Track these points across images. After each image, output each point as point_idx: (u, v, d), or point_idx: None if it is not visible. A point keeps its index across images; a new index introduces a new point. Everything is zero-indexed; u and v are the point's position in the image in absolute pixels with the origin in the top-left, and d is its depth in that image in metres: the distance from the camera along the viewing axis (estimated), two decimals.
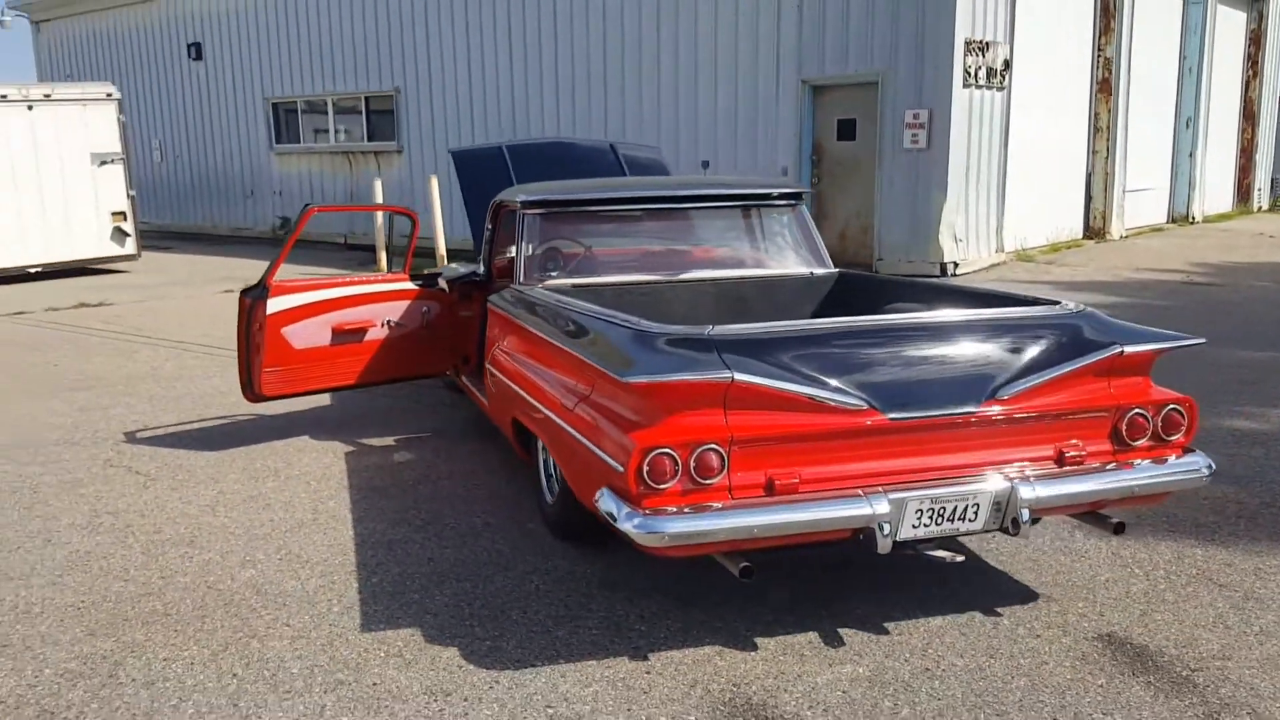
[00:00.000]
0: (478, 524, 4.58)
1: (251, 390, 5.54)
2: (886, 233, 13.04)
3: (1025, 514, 3.39)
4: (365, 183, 17.51)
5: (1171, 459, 3.66)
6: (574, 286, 5.14)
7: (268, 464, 5.49)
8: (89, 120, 15.16)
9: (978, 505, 3.38)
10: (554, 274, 5.23)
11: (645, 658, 3.38)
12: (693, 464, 3.17)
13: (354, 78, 18.31)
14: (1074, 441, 3.57)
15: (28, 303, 12.26)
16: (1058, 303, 3.89)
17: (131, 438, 6.08)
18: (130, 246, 15.84)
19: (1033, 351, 3.53)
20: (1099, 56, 15.44)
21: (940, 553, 3.49)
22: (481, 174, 7.43)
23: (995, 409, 3.43)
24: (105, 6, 22.52)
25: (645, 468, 3.12)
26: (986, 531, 3.45)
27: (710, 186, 5.79)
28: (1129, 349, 3.56)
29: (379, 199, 13.87)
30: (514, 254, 5.30)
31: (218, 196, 21.15)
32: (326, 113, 19.09)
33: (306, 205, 5.58)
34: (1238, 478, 5.17)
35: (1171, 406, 3.64)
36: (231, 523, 4.62)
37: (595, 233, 5.54)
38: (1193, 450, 3.72)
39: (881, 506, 3.24)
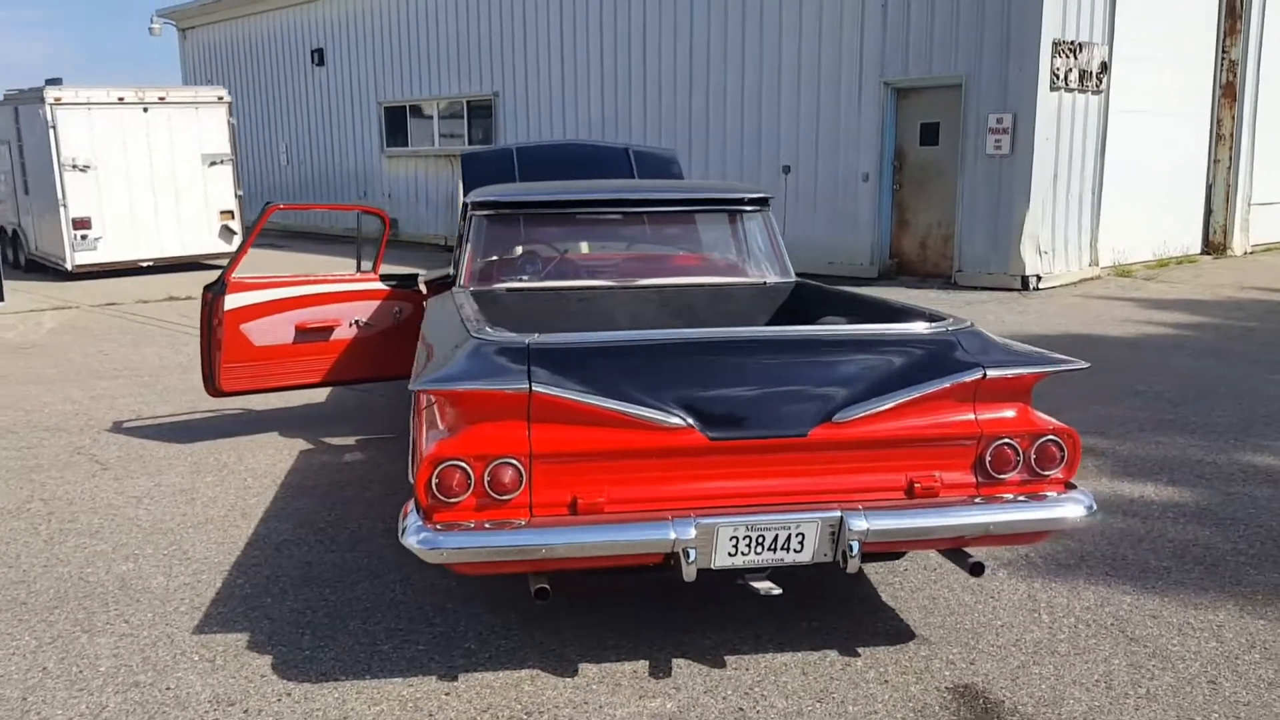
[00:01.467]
0: (377, 529, 4.53)
1: (212, 385, 5.65)
2: (967, 243, 12.47)
3: (854, 547, 3.11)
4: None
5: (1051, 495, 3.31)
6: (507, 290, 5.06)
7: (221, 459, 5.58)
8: (201, 122, 15.88)
9: (802, 535, 3.12)
10: (493, 277, 5.15)
11: (454, 678, 3.26)
12: (487, 478, 3.02)
13: (457, 82, 18.68)
14: (932, 473, 3.26)
15: (124, 295, 12.93)
16: (944, 319, 3.58)
17: (117, 427, 6.29)
18: (237, 243, 16.54)
19: (883, 373, 3.23)
20: (1223, 59, 14.39)
21: (760, 584, 3.24)
22: (488, 176, 7.40)
23: (831, 433, 3.16)
24: (241, 14, 23.64)
25: (434, 480, 3.00)
26: (817, 564, 3.18)
27: (670, 191, 5.59)
28: (993, 373, 3.23)
29: (460, 201, 14.09)
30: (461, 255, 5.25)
31: (333, 197, 21.90)
32: (432, 116, 19.53)
33: (268, 203, 5.65)
34: (1222, 519, 4.68)
35: (1047, 438, 3.29)
36: (146, 516, 4.71)
37: (545, 236, 5.43)
38: (1074, 487, 3.36)
39: (686, 532, 3.02)
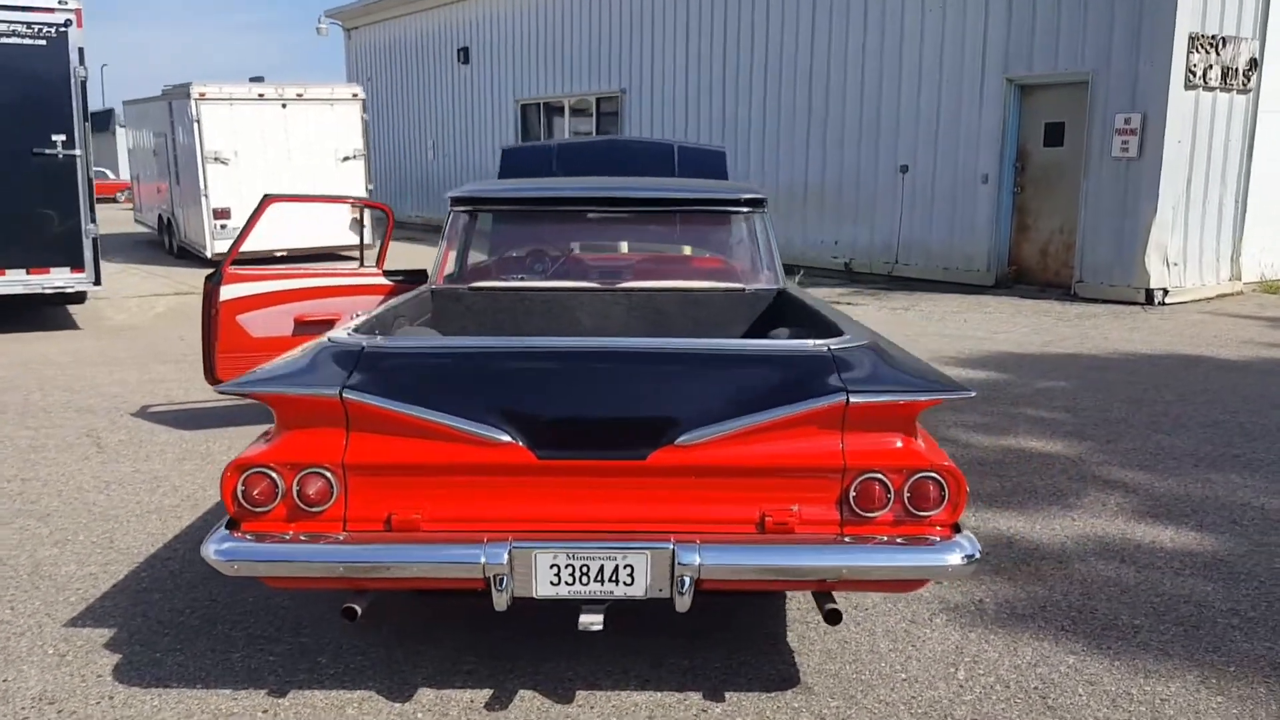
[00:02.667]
0: None
1: (211, 375, 5.73)
2: (1089, 252, 11.60)
3: (686, 582, 2.81)
4: None
5: (931, 539, 2.91)
6: (471, 290, 4.93)
7: (210, 448, 5.67)
8: (336, 118, 16.44)
9: (631, 568, 2.85)
10: (464, 276, 5.03)
11: (284, 694, 3.13)
12: (295, 488, 2.88)
13: (587, 79, 18.74)
14: (789, 506, 2.92)
15: None
16: (840, 334, 3.22)
17: (142, 411, 6.50)
18: (367, 236, 17.05)
19: (741, 394, 2.92)
20: None
21: (588, 617, 2.96)
22: (524, 171, 7.30)
23: (673, 457, 2.87)
24: (399, 14, 24.43)
25: (239, 488, 2.88)
26: (653, 599, 2.89)
27: (657, 190, 5.32)
28: (858, 399, 2.86)
29: None
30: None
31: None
32: (564, 113, 19.66)
33: (265, 195, 5.69)
34: (1234, 574, 4.09)
35: (923, 475, 2.89)
36: (103, 501, 4.80)
37: (523, 235, 5.27)
38: (960, 531, 2.94)
39: (498, 557, 2.80)
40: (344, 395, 2.85)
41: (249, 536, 2.88)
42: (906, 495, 2.89)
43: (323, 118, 16.34)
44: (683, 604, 2.83)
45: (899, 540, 2.90)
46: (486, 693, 3.15)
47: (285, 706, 3.06)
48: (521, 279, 5.05)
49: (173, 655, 3.36)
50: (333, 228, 16.54)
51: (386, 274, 5.99)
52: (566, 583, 2.86)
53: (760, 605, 3.74)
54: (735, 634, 3.54)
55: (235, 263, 5.65)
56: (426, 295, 4.84)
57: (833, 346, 3.04)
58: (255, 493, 2.86)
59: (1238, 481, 5.23)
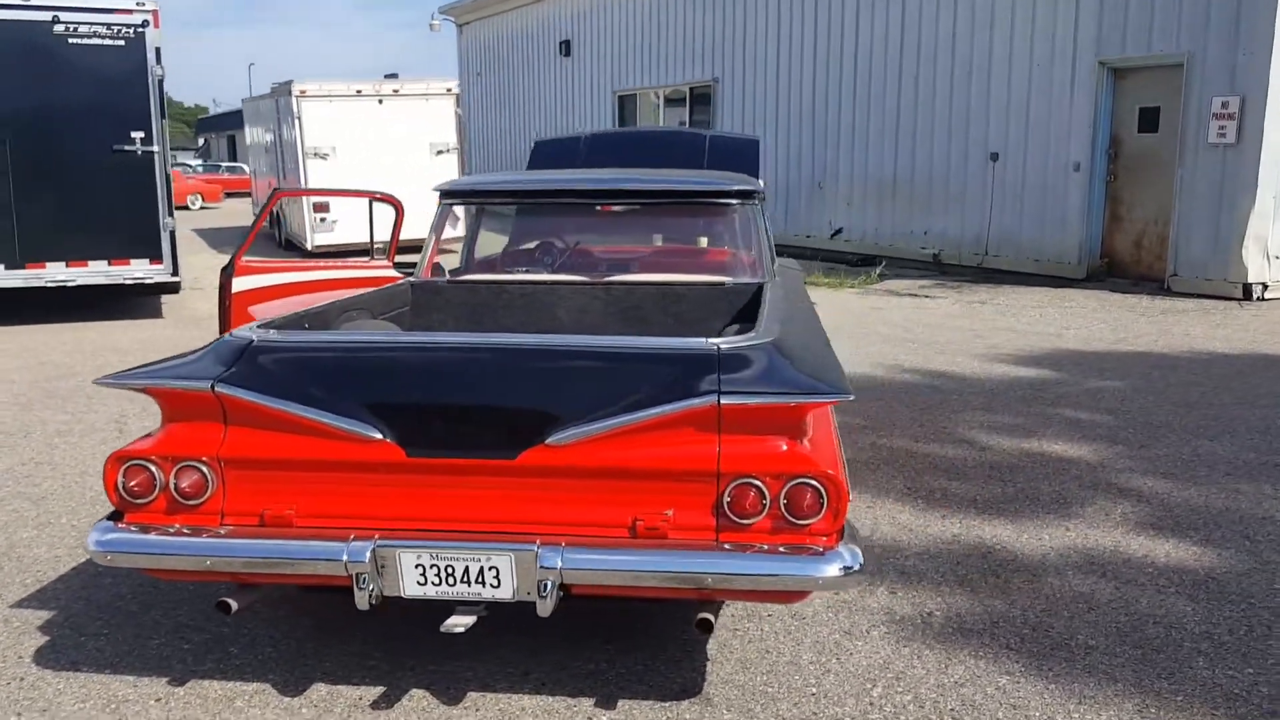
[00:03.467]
0: None
1: None
2: (1183, 244, 10.95)
3: (549, 585, 2.74)
4: None
5: (812, 549, 2.76)
6: (449, 283, 4.94)
7: None
8: (430, 113, 16.75)
9: (496, 569, 2.79)
10: (446, 268, 5.05)
11: (183, 683, 3.17)
12: (172, 481, 2.92)
13: (681, 69, 18.63)
14: (663, 511, 2.82)
15: None
16: (749, 330, 3.09)
17: None
18: (459, 229, 17.32)
19: (618, 393, 2.82)
20: None
21: (454, 619, 2.90)
22: (552, 163, 7.30)
23: (543, 457, 2.80)
24: (507, 8, 24.77)
25: (120, 480, 2.93)
26: (522, 602, 2.83)
27: (646, 182, 5.22)
28: (730, 400, 2.73)
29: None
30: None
31: None
32: (658, 104, 19.59)
33: (274, 189, 5.81)
34: (1225, 594, 3.79)
35: (799, 481, 2.75)
36: (99, 486, 4.97)
37: (507, 227, 5.25)
38: (844, 542, 2.78)
39: (360, 555, 2.78)
40: (216, 389, 2.88)
41: (133, 528, 2.93)
42: (783, 502, 2.76)
43: (418, 112, 16.65)
44: (544, 608, 2.76)
45: (781, 549, 2.77)
46: (379, 690, 3.14)
47: (179, 696, 3.11)
48: (502, 272, 5.04)
49: (97, 640, 3.45)
50: (423, 223, 16.88)
51: (397, 266, 6.05)
52: (433, 583, 2.82)
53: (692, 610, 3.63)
54: (656, 639, 3.44)
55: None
56: (405, 288, 4.87)
57: (722, 345, 2.91)
58: (134, 485, 2.91)
59: (1268, 493, 4.84)
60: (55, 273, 9.61)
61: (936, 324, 9.60)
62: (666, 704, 3.07)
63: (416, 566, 2.80)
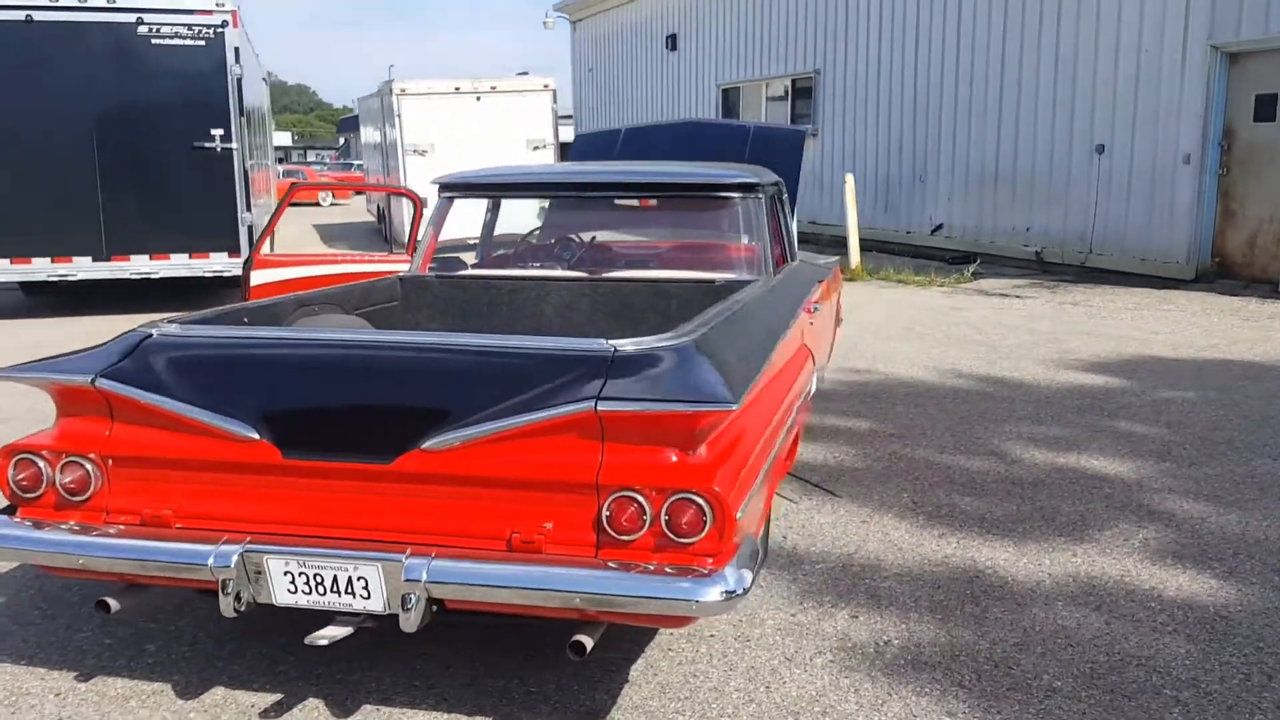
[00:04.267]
0: None
1: None
2: None
3: (414, 598, 2.60)
4: None
5: (702, 570, 2.54)
6: (438, 278, 4.85)
7: None
8: (527, 109, 16.85)
9: (365, 579, 2.66)
10: (441, 263, 4.96)
11: (87, 679, 3.11)
12: (58, 476, 2.89)
13: (783, 61, 18.26)
14: (542, 524, 2.64)
15: None
16: (670, 333, 2.88)
17: None
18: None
19: (502, 396, 2.64)
20: None
21: (328, 630, 2.77)
22: (588, 156, 7.17)
23: (419, 463, 2.65)
24: (618, 4, 24.76)
25: (11, 473, 2.91)
26: (393, 614, 2.68)
27: (642, 175, 5.01)
28: (609, 407, 2.53)
29: (850, 187, 13.73)
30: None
31: None
32: (760, 97, 19.25)
33: (294, 183, 5.82)
34: (1232, 635, 3.39)
35: (680, 496, 2.53)
36: None
37: (504, 222, 5.13)
38: (736, 563, 2.55)
39: (226, 560, 2.69)
40: (97, 384, 2.83)
41: (25, 523, 2.91)
42: (665, 518, 2.55)
43: (514, 109, 16.76)
44: (407, 622, 2.62)
45: (666, 569, 2.56)
46: (275, 698, 3.05)
47: (79, 692, 3.08)
48: (494, 267, 4.93)
49: (28, 629, 3.47)
50: (523, 216, 16.97)
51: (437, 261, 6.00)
52: (303, 591, 2.71)
53: (635, 628, 3.43)
54: (602, 654, 3.24)
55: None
56: (394, 283, 4.80)
57: (620, 347, 2.71)
58: (22, 478, 2.89)
59: None
60: (139, 265, 9.96)
61: (1015, 326, 9.09)
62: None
63: (285, 574, 2.70)
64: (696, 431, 2.58)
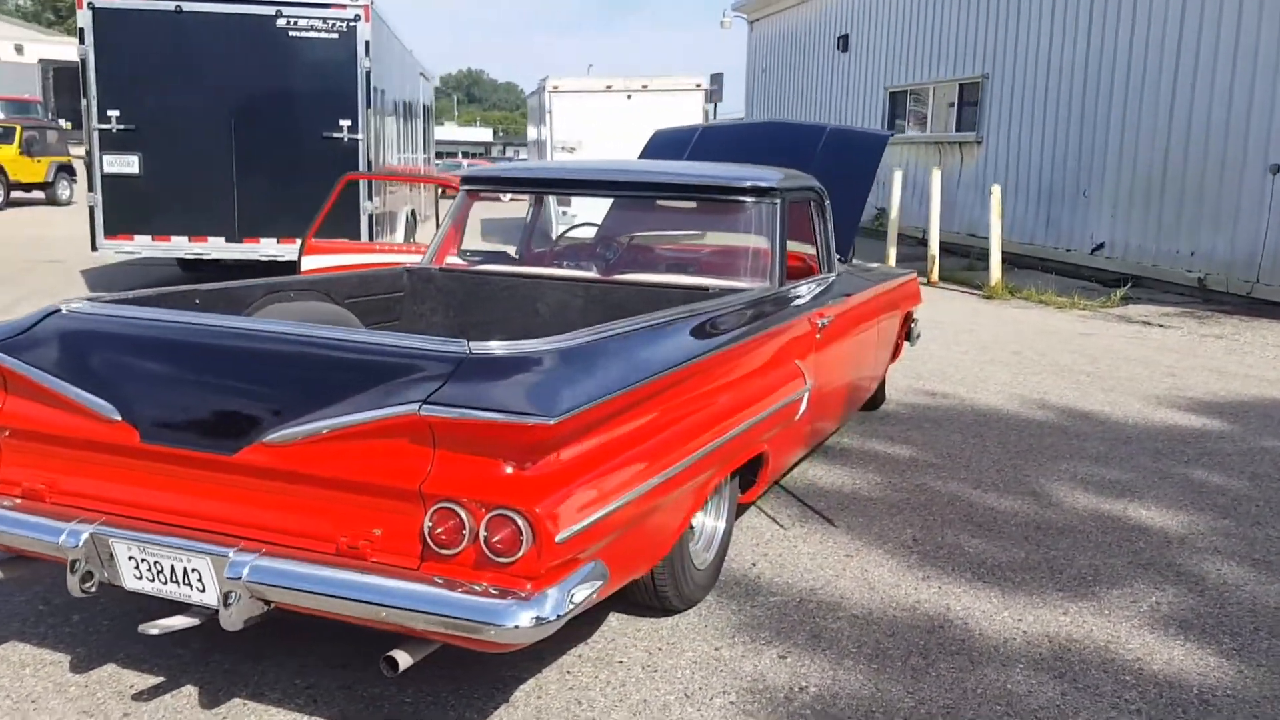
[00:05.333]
0: None
1: None
2: None
3: (235, 595, 2.56)
4: (949, 178, 16.69)
5: (521, 592, 2.40)
6: (442, 271, 4.84)
7: None
8: (678, 108, 16.69)
9: (198, 571, 2.64)
10: (450, 255, 4.96)
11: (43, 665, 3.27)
12: None
13: (950, 64, 17.53)
14: (372, 529, 2.55)
15: None
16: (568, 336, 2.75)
17: None
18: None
19: (348, 392, 2.56)
20: None
21: (167, 620, 2.74)
22: (661, 153, 7.03)
23: (261, 457, 2.61)
24: (794, 3, 24.39)
25: None
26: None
27: (650, 174, 4.85)
28: (433, 411, 2.41)
29: (935, 193, 13.26)
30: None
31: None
32: (926, 101, 18.55)
33: (344, 174, 5.93)
34: (1209, 707, 2.97)
35: (498, 512, 2.39)
36: None
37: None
38: (564, 586, 2.41)
39: (74, 540, 2.71)
40: None
41: None
42: (484, 534, 2.42)
43: (666, 108, 16.64)
44: (227, 619, 2.57)
45: (476, 589, 2.43)
46: (156, 681, 3.06)
47: (27, 676, 3.14)
48: (499, 263, 4.90)
49: None
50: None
51: (461, 253, 6.02)
52: (147, 578, 2.73)
53: (569, 637, 3.29)
54: (472, 670, 3.15)
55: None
56: (401, 274, 4.81)
57: (474, 349, 2.58)
58: None
59: None
60: (267, 248, 10.43)
61: (1137, 357, 8.37)
62: None
63: (130, 559, 2.71)
64: (521, 445, 2.43)
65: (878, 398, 6.24)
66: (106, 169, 10.10)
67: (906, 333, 6.63)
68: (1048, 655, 3.37)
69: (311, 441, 2.56)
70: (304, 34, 10.07)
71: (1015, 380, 7.36)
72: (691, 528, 3.55)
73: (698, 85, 16.84)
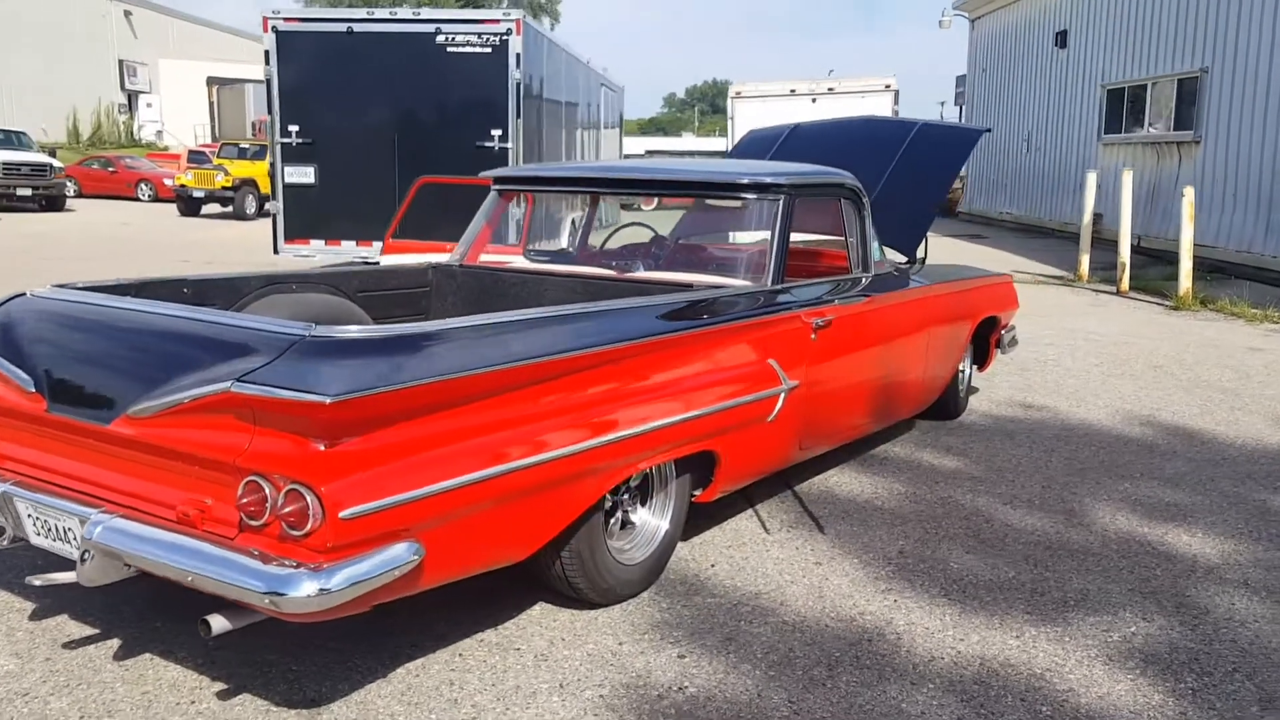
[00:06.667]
0: None
1: None
2: None
3: (90, 553, 2.78)
4: (1165, 180, 15.49)
5: (316, 567, 2.50)
6: (460, 268, 5.02)
7: None
8: (866, 109, 16.37)
9: (71, 530, 2.90)
10: (474, 253, 5.14)
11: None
12: None
13: (1168, 57, 16.25)
14: (204, 499, 2.73)
15: None
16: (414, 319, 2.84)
17: None
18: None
19: (199, 367, 2.74)
20: None
21: (45, 574, 3.00)
22: (750, 151, 6.95)
23: (126, 428, 2.84)
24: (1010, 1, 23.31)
25: None
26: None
27: (653, 172, 4.81)
28: (243, 389, 2.55)
29: (1126, 197, 12.45)
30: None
31: (1055, 188, 20.58)
32: (1144, 99, 17.23)
33: (418, 177, 6.21)
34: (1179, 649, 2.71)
35: (295, 486, 2.50)
36: None
37: (538, 215, 5.23)
38: (356, 562, 2.51)
39: None
40: None
41: None
42: (281, 508, 2.54)
43: (852, 110, 16.32)
44: (83, 573, 2.79)
45: (287, 562, 2.55)
46: (88, 632, 3.34)
47: None
48: (515, 259, 5.04)
49: None
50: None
51: (528, 254, 6.19)
52: (44, 535, 3.01)
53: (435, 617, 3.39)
54: (391, 645, 3.26)
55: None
56: (427, 270, 5.02)
57: (317, 331, 2.71)
58: None
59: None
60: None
61: None
62: (275, 708, 2.94)
63: (29, 516, 3.00)
64: (311, 423, 2.52)
65: (949, 407, 5.90)
66: (287, 179, 10.99)
67: (998, 340, 6.26)
68: (969, 678, 3.13)
69: (162, 414, 2.76)
70: (460, 49, 10.59)
71: (1134, 395, 6.77)
72: (626, 522, 3.63)
73: (887, 86, 16.47)
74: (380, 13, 10.66)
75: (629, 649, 3.30)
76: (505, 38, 10.56)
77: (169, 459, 2.79)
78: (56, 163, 25.08)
